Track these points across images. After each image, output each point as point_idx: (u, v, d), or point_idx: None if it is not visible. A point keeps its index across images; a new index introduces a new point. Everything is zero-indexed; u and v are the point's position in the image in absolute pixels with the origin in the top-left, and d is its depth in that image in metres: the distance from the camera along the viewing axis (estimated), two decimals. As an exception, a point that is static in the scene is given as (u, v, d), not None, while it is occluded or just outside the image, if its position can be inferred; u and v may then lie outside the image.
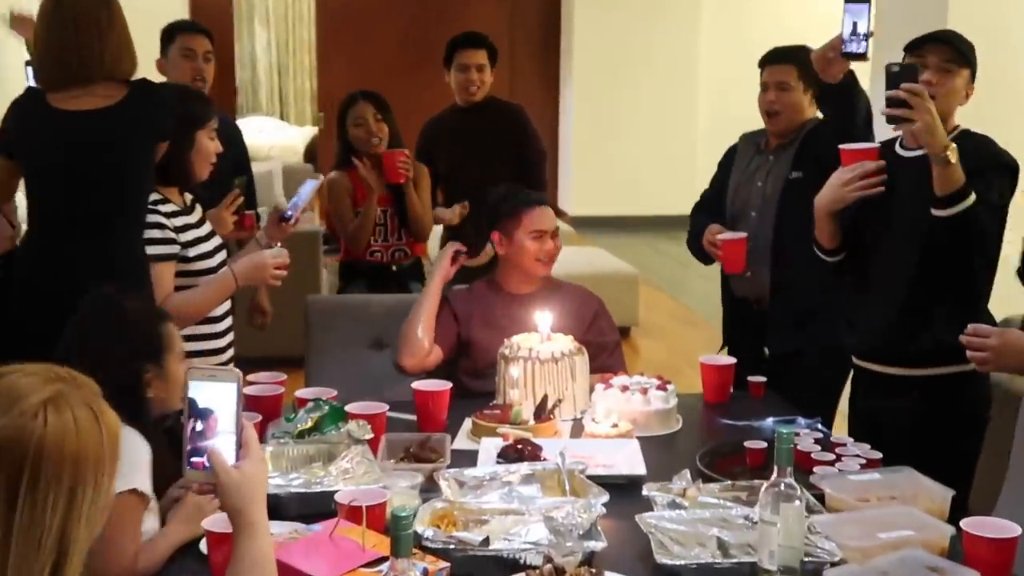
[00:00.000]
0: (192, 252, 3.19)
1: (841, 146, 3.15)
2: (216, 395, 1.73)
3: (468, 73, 4.87)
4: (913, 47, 3.07)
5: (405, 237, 4.67)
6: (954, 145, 2.84)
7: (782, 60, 3.82)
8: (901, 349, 3.15)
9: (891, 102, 2.85)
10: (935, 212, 2.90)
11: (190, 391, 1.73)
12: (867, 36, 3.06)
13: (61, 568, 1.44)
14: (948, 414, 3.12)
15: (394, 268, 4.65)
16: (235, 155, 4.29)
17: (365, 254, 4.61)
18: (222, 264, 3.29)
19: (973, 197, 2.86)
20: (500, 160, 4.83)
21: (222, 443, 1.72)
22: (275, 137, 12.01)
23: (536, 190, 4.68)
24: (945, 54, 3.04)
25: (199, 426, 1.73)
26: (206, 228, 3.30)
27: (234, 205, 3.71)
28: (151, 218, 3.12)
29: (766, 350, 3.80)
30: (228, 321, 3.36)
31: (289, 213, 3.49)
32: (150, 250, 3.10)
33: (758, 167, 3.87)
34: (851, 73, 3.29)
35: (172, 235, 3.13)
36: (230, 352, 3.37)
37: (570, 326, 3.38)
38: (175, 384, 2.42)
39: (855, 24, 3.05)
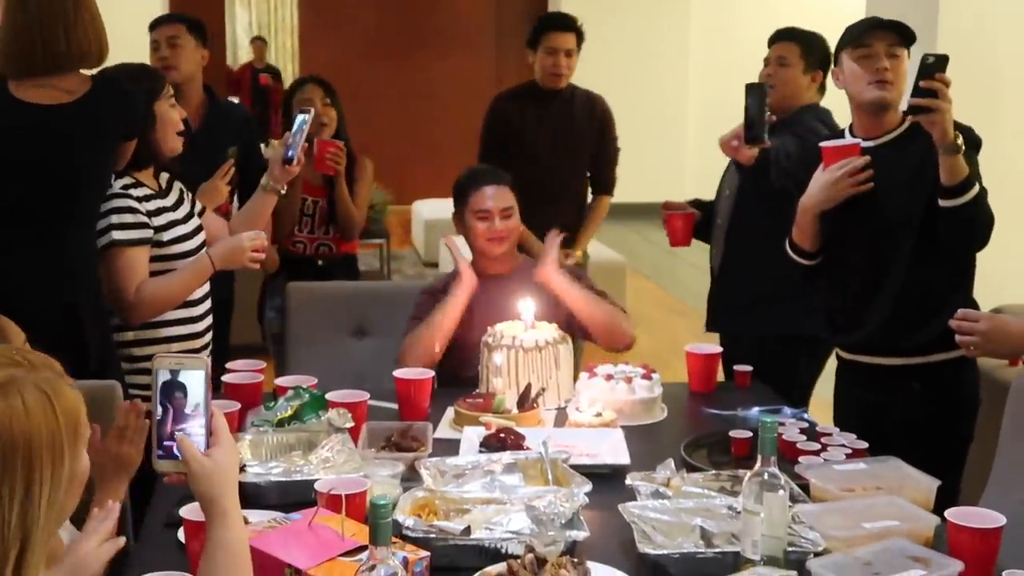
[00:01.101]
0: (166, 236, 3.15)
1: (822, 144, 3.11)
2: (183, 383, 1.71)
3: (556, 57, 4.66)
4: (860, 38, 3.06)
5: (332, 232, 4.40)
6: (959, 134, 2.81)
7: (787, 38, 3.87)
8: (899, 341, 3.12)
9: (921, 92, 2.80)
10: (943, 203, 2.87)
11: (158, 379, 1.71)
12: (767, 122, 3.30)
13: (25, 554, 1.43)
14: (945, 400, 3.11)
15: (319, 263, 4.40)
16: (243, 136, 4.30)
17: (288, 243, 4.39)
18: (203, 245, 3.24)
19: (977, 186, 2.85)
20: (577, 151, 4.71)
21: (192, 431, 1.71)
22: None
23: (605, 187, 4.77)
24: (891, 39, 3.04)
25: (168, 415, 1.71)
26: (183, 211, 3.24)
27: (228, 175, 3.67)
28: (122, 203, 3.06)
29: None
30: (207, 304, 3.31)
31: (291, 154, 3.38)
32: (122, 235, 3.05)
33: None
34: (763, 151, 3.40)
35: (145, 219, 3.09)
36: (207, 337, 3.31)
37: (549, 304, 3.36)
38: None
39: (756, 111, 3.28)
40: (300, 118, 3.43)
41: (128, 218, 3.06)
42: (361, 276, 4.65)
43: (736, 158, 3.48)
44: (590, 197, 4.84)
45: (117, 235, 3.04)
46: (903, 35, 3.05)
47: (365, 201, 4.51)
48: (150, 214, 3.11)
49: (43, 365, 1.51)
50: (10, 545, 1.42)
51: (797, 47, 3.82)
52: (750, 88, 3.30)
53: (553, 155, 4.65)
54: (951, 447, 3.02)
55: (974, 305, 3.06)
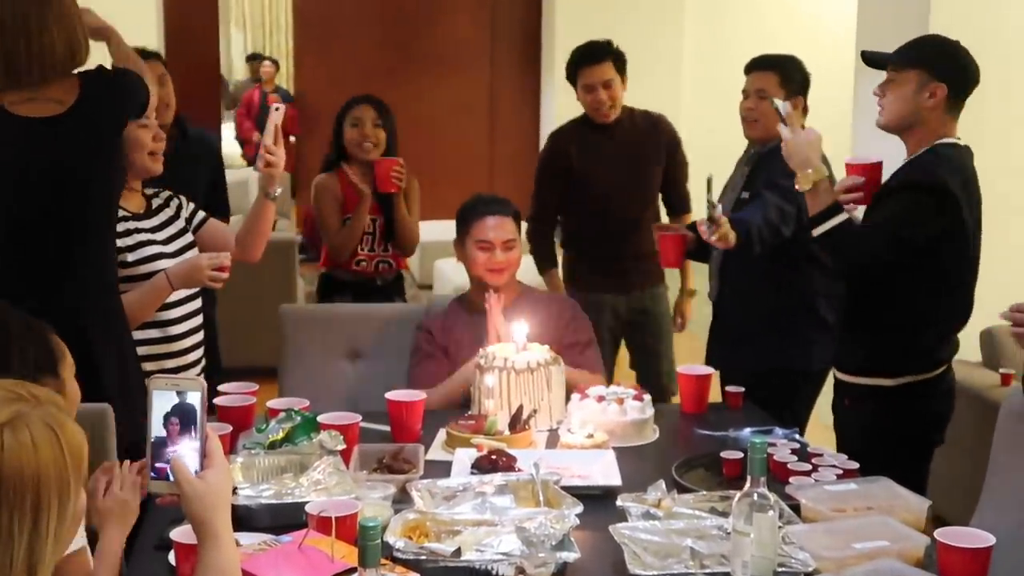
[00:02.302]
0: (131, 257, 3.13)
1: (847, 160, 3.24)
2: (179, 404, 1.71)
3: (595, 94, 4.40)
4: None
5: (391, 248, 4.48)
6: (811, 173, 2.99)
7: (764, 68, 3.83)
8: (838, 355, 3.29)
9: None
10: (813, 231, 3.03)
11: (153, 400, 1.71)
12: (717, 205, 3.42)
13: None
14: (881, 426, 3.14)
15: (379, 282, 4.47)
16: (211, 165, 4.27)
17: (350, 263, 4.44)
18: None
19: (842, 216, 2.98)
20: (647, 177, 4.50)
21: (185, 453, 1.71)
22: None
23: (683, 206, 4.61)
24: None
25: (162, 436, 1.71)
26: (165, 233, 3.24)
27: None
28: None
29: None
30: (188, 324, 3.29)
31: (265, 142, 3.29)
32: None
33: (738, 181, 3.90)
34: (738, 236, 3.45)
35: None
36: (191, 356, 3.30)
37: (547, 334, 3.35)
38: (71, 400, 2.23)
39: (711, 212, 3.39)
40: (273, 113, 3.36)
41: None
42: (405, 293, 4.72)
43: (719, 247, 3.51)
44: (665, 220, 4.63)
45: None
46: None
47: (417, 215, 4.56)
48: (128, 232, 3.10)
49: (48, 400, 1.52)
50: None
51: (775, 76, 3.77)
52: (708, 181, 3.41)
53: (622, 185, 4.44)
54: (913, 465, 3.06)
55: (931, 336, 3.13)
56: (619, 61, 4.47)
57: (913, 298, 3.06)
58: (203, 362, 3.37)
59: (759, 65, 3.85)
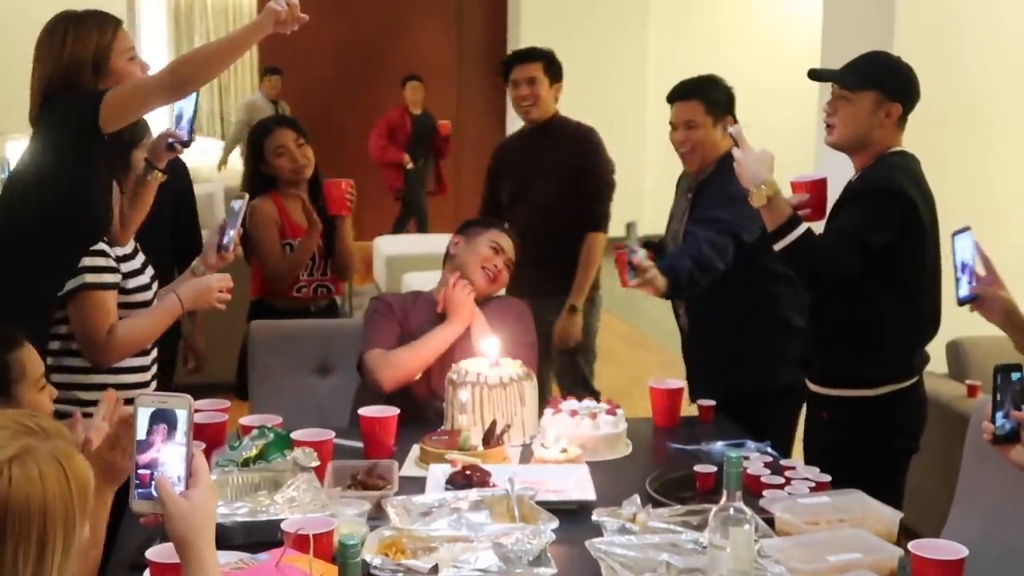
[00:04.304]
0: (131, 283, 3.13)
1: (791, 179, 3.24)
2: (165, 422, 1.70)
3: (519, 89, 4.58)
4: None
5: (330, 273, 4.32)
6: (763, 188, 2.98)
7: (687, 96, 3.77)
8: (812, 366, 3.30)
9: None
10: (775, 246, 3.03)
11: (139, 418, 1.70)
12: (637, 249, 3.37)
13: None
14: (859, 437, 3.16)
15: (312, 308, 4.28)
16: (177, 187, 4.17)
17: (291, 290, 4.24)
18: (155, 297, 3.23)
19: (803, 228, 2.99)
20: (559, 188, 4.55)
21: (170, 471, 1.69)
22: (217, 158, 11.81)
23: (591, 222, 4.56)
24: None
25: (147, 454, 1.70)
26: (140, 259, 3.23)
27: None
28: (95, 246, 3.04)
29: None
30: (153, 353, 3.27)
31: (226, 241, 3.29)
32: (94, 278, 3.02)
33: (683, 211, 3.85)
34: (668, 280, 3.44)
35: (114, 264, 3.07)
36: (153, 385, 3.27)
37: (512, 340, 3.38)
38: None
39: (631, 258, 3.36)
40: (236, 204, 3.35)
41: (100, 261, 3.04)
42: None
43: (649, 293, 3.48)
44: None
45: (89, 278, 3.01)
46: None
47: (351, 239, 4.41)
48: (119, 260, 3.10)
49: (56, 433, 1.51)
50: None
51: (700, 105, 3.73)
52: (627, 227, 3.40)
53: (544, 192, 4.56)
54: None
55: (897, 344, 3.15)
56: (552, 67, 4.62)
57: (881, 305, 3.09)
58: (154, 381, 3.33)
59: (682, 95, 3.79)
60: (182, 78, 2.94)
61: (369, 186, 11.70)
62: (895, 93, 3.10)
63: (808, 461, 2.98)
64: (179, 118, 3.18)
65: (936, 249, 3.13)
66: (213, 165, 11.46)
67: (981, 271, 2.73)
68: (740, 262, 3.57)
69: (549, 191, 4.56)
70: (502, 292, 3.72)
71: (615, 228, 4.30)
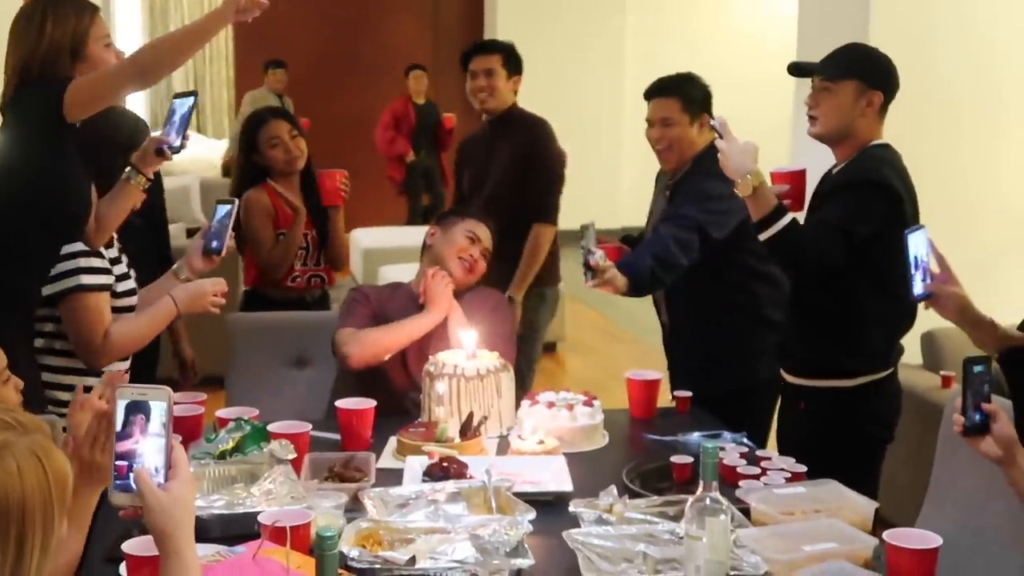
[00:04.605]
0: (120, 287, 3.11)
1: (771, 170, 3.25)
2: (144, 414, 1.69)
3: (476, 79, 4.60)
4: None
5: (323, 263, 4.36)
6: (749, 178, 2.98)
7: (664, 94, 3.76)
8: (790, 357, 3.32)
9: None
10: (760, 236, 3.04)
11: (119, 410, 1.69)
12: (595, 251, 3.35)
13: None
14: (831, 423, 3.18)
15: (307, 299, 4.31)
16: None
17: (285, 280, 4.27)
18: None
19: (788, 218, 3.00)
20: (510, 179, 4.53)
21: (150, 463, 1.68)
22: (192, 150, 11.73)
23: (536, 213, 4.53)
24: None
25: (126, 446, 1.69)
26: (125, 263, 3.20)
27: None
28: (85, 247, 3.01)
29: None
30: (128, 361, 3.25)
31: (216, 245, 3.27)
32: (90, 280, 2.99)
33: (662, 208, 3.83)
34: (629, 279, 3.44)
35: (107, 266, 3.05)
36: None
37: (489, 331, 3.38)
38: None
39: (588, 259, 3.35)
40: (223, 209, 3.32)
41: (95, 262, 3.01)
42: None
43: (609, 292, 3.49)
44: None
45: (85, 279, 2.98)
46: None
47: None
48: (111, 262, 3.08)
49: (35, 428, 1.50)
50: None
51: (677, 102, 3.72)
52: (583, 228, 3.36)
53: (496, 184, 4.57)
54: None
55: (875, 337, 3.17)
56: (511, 60, 4.62)
57: (862, 296, 3.10)
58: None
59: (659, 92, 3.78)
60: (144, 65, 2.91)
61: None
62: (875, 81, 3.12)
63: (784, 452, 3.00)
64: (170, 123, 3.11)
65: None
66: (187, 157, 11.36)
67: (935, 268, 2.75)
68: (719, 259, 3.57)
69: (501, 183, 4.56)
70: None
71: (624, 213, 4.33)
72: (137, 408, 1.69)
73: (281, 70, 10.89)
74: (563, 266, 4.85)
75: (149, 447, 1.69)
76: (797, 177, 3.22)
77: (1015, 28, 5.17)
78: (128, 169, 3.13)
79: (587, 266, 3.33)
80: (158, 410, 1.69)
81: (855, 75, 3.11)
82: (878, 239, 3.01)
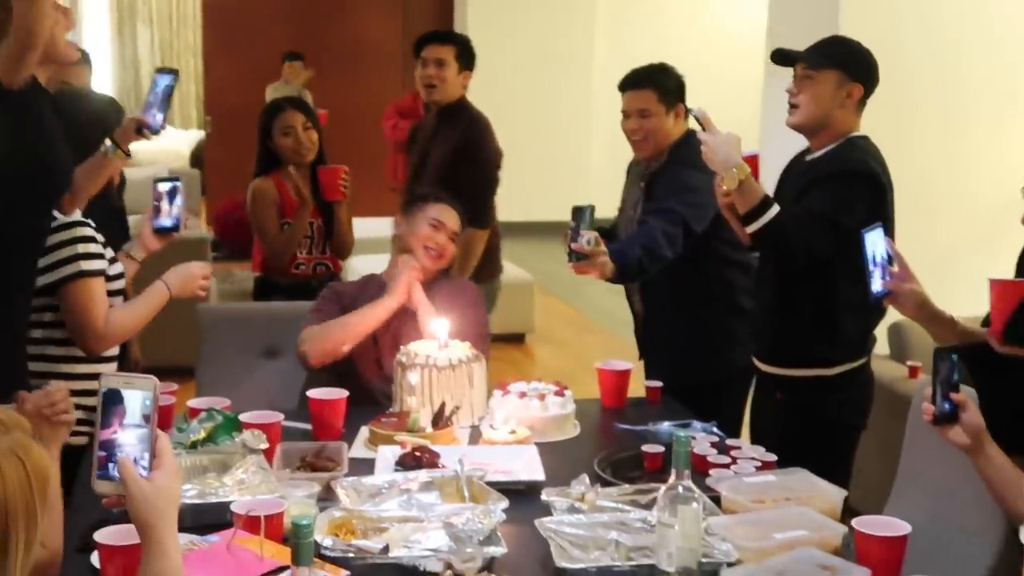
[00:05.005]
0: (112, 270, 3.08)
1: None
2: (129, 403, 1.68)
3: (427, 68, 4.58)
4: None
5: (328, 251, 4.47)
6: (735, 171, 2.99)
7: (641, 85, 3.76)
8: (768, 348, 3.32)
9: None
10: (747, 228, 3.06)
11: (103, 398, 1.68)
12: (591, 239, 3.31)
13: None
14: (815, 416, 3.21)
15: (314, 284, 4.28)
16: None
17: (290, 267, 4.41)
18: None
19: (775, 209, 3.01)
20: (444, 175, 4.44)
21: (133, 452, 1.67)
22: (159, 141, 11.64)
23: (472, 220, 4.15)
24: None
25: (110, 435, 1.68)
26: (110, 248, 3.18)
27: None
28: (86, 231, 2.97)
29: None
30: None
31: (169, 223, 3.25)
32: (89, 265, 2.95)
33: (636, 199, 3.85)
34: (617, 269, 3.43)
35: (102, 250, 3.02)
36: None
37: (461, 320, 3.37)
38: None
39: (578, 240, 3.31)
40: (164, 186, 3.27)
41: (93, 248, 2.97)
42: None
43: (595, 277, 3.49)
44: None
45: (85, 265, 2.94)
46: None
47: (351, 218, 4.53)
48: (104, 245, 3.05)
49: (14, 425, 1.50)
50: None
51: (653, 93, 3.72)
52: (577, 210, 3.35)
53: (430, 181, 4.45)
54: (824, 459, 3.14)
55: (854, 326, 3.19)
56: (465, 54, 4.61)
57: (839, 284, 3.12)
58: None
59: (634, 83, 3.78)
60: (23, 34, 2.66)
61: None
62: (857, 74, 3.15)
63: (759, 442, 3.00)
64: (152, 100, 3.12)
65: (892, 235, 3.18)
66: (154, 148, 11.28)
67: (893, 266, 2.77)
68: (695, 250, 3.59)
69: (436, 178, 4.49)
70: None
71: (564, 212, 4.31)
72: (121, 396, 1.68)
73: (299, 62, 10.61)
74: (532, 258, 4.87)
75: (133, 436, 1.68)
76: (751, 161, 3.22)
77: (980, 27, 5.26)
78: (107, 143, 3.11)
79: (570, 250, 3.32)
80: (143, 399, 1.68)
81: (837, 65, 3.14)
82: (862, 227, 3.03)
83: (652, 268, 3.55)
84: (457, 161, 4.52)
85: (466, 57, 4.64)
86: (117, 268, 3.13)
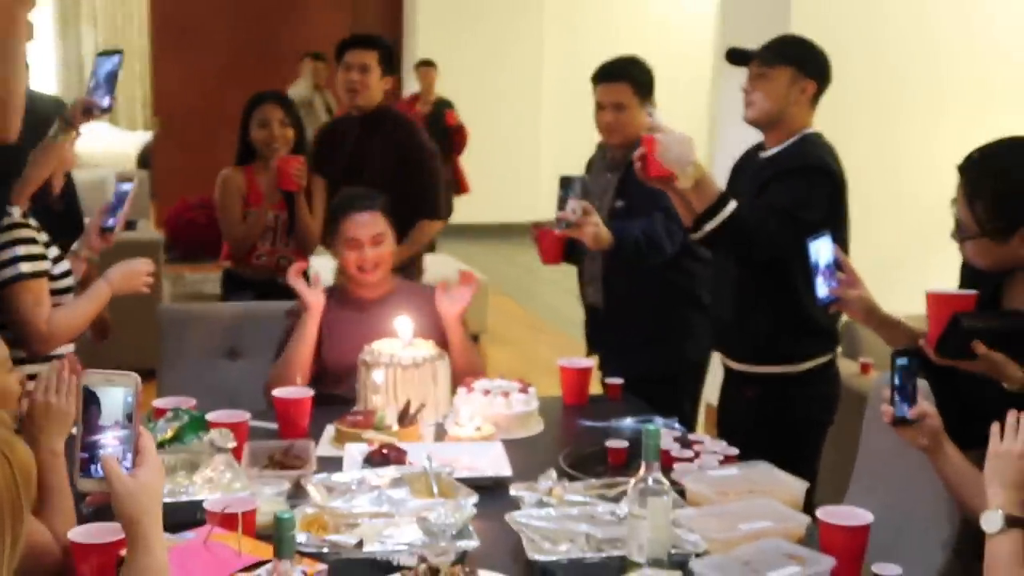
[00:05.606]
0: (57, 269, 3.07)
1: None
2: (111, 400, 1.68)
3: (350, 72, 4.51)
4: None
5: (291, 245, 4.48)
6: (690, 170, 3.02)
7: (616, 78, 3.80)
8: (735, 345, 3.37)
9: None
10: (705, 226, 3.09)
11: (84, 396, 1.68)
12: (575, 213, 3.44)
13: None
14: (784, 413, 3.26)
15: (279, 281, 4.17)
16: None
17: (250, 258, 4.45)
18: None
19: (732, 205, 3.05)
20: (387, 178, 4.33)
21: (116, 450, 1.68)
22: (104, 143, 11.47)
23: (424, 210, 4.51)
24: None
25: (93, 432, 1.68)
26: (56, 246, 3.18)
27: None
28: (25, 233, 2.96)
29: None
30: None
31: (111, 223, 3.26)
32: (30, 267, 2.94)
33: (604, 188, 3.88)
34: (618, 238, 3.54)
35: (43, 251, 3.01)
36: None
37: (426, 326, 3.38)
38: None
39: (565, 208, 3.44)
40: (123, 185, 3.31)
41: (34, 249, 2.96)
42: None
43: (590, 246, 3.57)
44: None
45: (25, 267, 2.93)
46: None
47: (320, 214, 4.47)
48: (46, 245, 3.04)
49: None
50: None
51: (629, 86, 3.77)
52: (564, 181, 3.41)
53: (372, 183, 4.22)
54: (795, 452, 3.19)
55: (815, 319, 3.23)
56: (388, 60, 4.59)
57: (801, 282, 3.16)
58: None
59: (609, 76, 3.81)
60: None
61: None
62: (810, 70, 3.23)
63: (728, 438, 3.01)
64: (96, 84, 3.07)
65: (847, 230, 3.24)
66: (101, 150, 11.17)
67: (841, 273, 2.82)
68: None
69: (376, 184, 4.27)
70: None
71: (514, 215, 4.36)
72: (103, 394, 1.68)
73: (322, 63, 10.08)
74: (485, 260, 4.88)
75: (115, 433, 1.68)
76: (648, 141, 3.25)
77: (925, 28, 5.36)
78: (55, 127, 3.08)
79: (558, 218, 3.41)
80: (124, 396, 1.69)
81: (790, 62, 3.20)
82: (822, 224, 3.09)
83: (648, 255, 3.60)
84: (399, 166, 4.48)
85: (389, 63, 4.61)
86: (63, 267, 3.12)
